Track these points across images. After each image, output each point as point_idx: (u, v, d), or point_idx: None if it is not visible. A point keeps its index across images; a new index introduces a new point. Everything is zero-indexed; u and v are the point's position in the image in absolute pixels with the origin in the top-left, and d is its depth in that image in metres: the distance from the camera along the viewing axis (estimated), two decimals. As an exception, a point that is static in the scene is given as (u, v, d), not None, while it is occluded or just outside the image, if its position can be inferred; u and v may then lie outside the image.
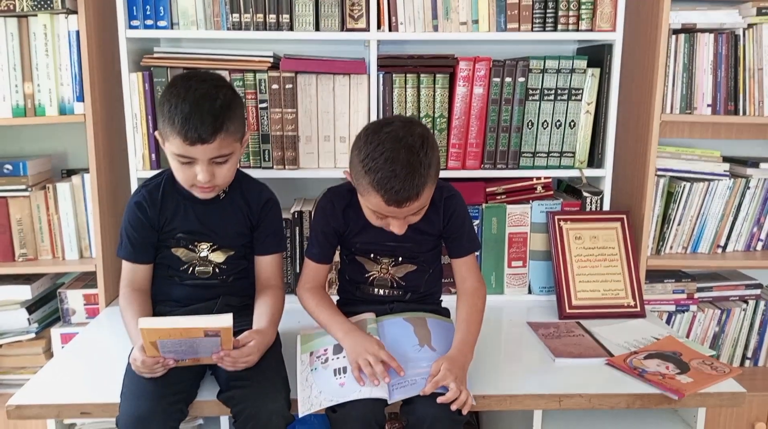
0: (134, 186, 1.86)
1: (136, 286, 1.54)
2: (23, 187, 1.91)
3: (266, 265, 1.60)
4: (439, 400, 1.29)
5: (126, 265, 1.55)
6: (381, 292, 1.60)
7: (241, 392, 1.36)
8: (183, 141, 1.36)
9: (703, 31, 1.93)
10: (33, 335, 1.96)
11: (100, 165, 1.88)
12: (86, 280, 2.05)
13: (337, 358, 1.43)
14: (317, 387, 1.37)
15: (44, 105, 1.84)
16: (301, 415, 1.35)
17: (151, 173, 1.63)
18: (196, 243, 1.54)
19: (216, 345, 1.32)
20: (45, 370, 1.54)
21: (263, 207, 1.58)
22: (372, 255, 1.58)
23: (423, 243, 1.57)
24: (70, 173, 2.07)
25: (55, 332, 1.97)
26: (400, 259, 1.58)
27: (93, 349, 1.66)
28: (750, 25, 1.93)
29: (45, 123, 1.89)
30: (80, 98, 1.83)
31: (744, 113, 1.95)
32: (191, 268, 1.55)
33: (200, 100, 1.37)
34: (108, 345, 1.67)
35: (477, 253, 1.61)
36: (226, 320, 1.29)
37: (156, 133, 1.48)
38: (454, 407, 1.30)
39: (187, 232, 1.53)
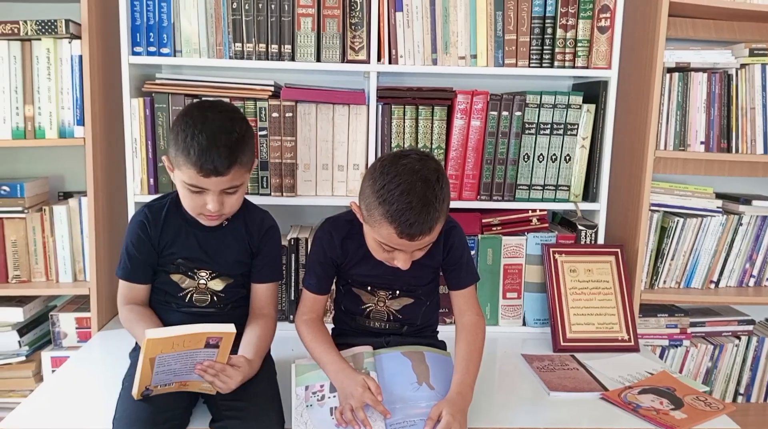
0: (131, 210, 1.86)
1: (136, 302, 1.53)
2: (19, 208, 1.91)
3: (261, 293, 1.59)
4: None
5: (124, 285, 1.54)
6: (377, 324, 1.59)
7: (234, 423, 1.34)
8: (197, 172, 1.36)
9: (696, 70, 1.97)
10: (23, 358, 1.95)
11: (97, 188, 1.88)
12: (79, 303, 2.04)
13: (334, 396, 1.40)
14: (312, 425, 1.35)
15: (44, 128, 1.85)
16: None
17: (149, 198, 1.64)
18: (195, 270, 1.54)
19: (211, 357, 1.32)
20: (35, 395, 1.53)
21: (264, 234, 1.57)
22: (369, 287, 1.57)
23: (422, 276, 1.56)
24: (67, 196, 2.07)
25: (46, 355, 1.95)
26: (398, 292, 1.57)
27: (85, 373, 1.65)
28: (743, 65, 1.97)
29: (44, 145, 1.89)
30: (80, 122, 1.84)
31: (737, 151, 1.99)
32: (189, 296, 1.54)
33: (217, 133, 1.37)
34: (100, 370, 1.65)
35: (475, 285, 1.59)
36: (230, 327, 1.30)
37: (164, 158, 1.48)
38: None
39: (186, 258, 1.53)
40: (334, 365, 1.44)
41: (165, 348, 1.26)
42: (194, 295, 1.54)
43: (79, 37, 1.81)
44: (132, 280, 1.54)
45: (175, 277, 1.54)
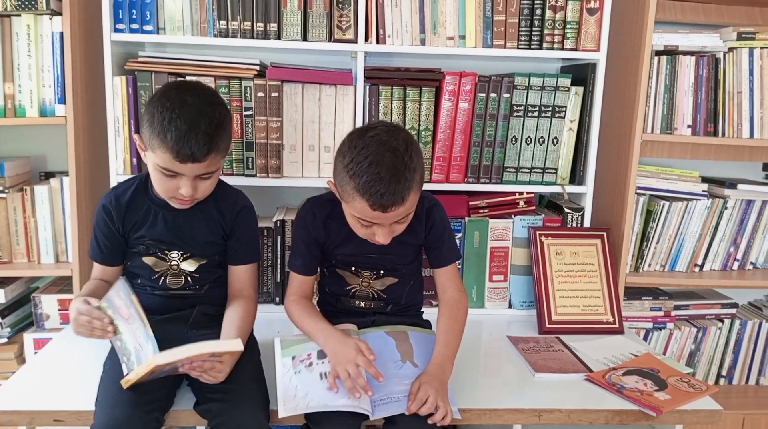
0: (114, 190, 1.84)
1: (104, 280, 1.54)
2: (0, 188, 1.88)
3: (239, 274, 1.57)
4: (414, 411, 1.29)
5: (96, 266, 1.55)
6: (362, 304, 1.59)
7: (219, 405, 1.34)
8: (174, 157, 1.34)
9: (684, 53, 1.97)
10: (5, 340, 1.93)
11: (79, 168, 1.85)
12: (61, 284, 2.02)
13: (322, 362, 1.41)
14: (303, 388, 1.35)
15: (24, 106, 1.82)
16: (284, 415, 1.32)
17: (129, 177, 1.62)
18: (166, 251, 1.52)
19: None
20: (18, 376, 1.51)
21: (238, 215, 1.55)
22: (353, 268, 1.57)
23: (405, 254, 1.56)
24: (48, 176, 2.04)
25: (28, 337, 1.93)
26: (382, 272, 1.57)
27: (67, 355, 1.63)
28: (730, 49, 1.97)
29: (25, 124, 1.86)
30: (62, 100, 1.81)
31: (723, 135, 1.99)
32: (163, 278, 1.53)
33: (196, 118, 1.34)
34: (82, 351, 1.63)
35: (458, 263, 1.60)
36: (237, 344, 1.30)
37: (136, 137, 1.45)
38: (430, 421, 1.29)
39: (155, 240, 1.51)
40: (324, 332, 1.44)
41: (168, 364, 1.25)
42: (167, 277, 1.53)
43: (59, 14, 1.78)
44: (101, 262, 1.54)
45: (148, 260, 1.52)
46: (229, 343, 1.31)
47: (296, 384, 1.37)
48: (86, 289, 1.49)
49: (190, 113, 1.35)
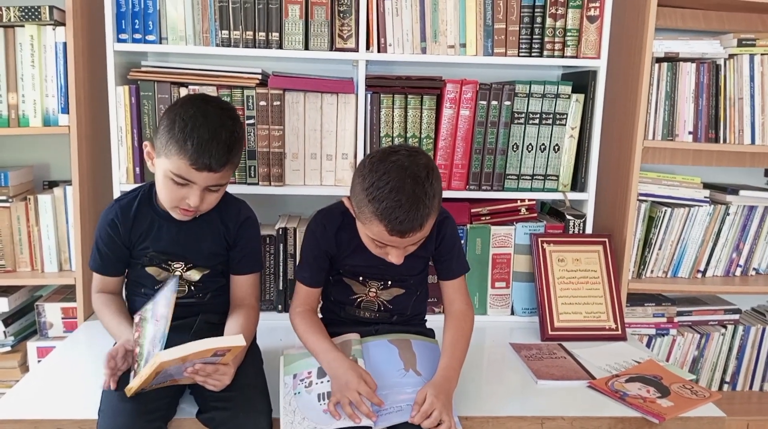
0: (117, 199, 1.84)
1: (107, 291, 1.55)
2: (4, 197, 1.89)
3: (241, 284, 1.58)
4: (418, 422, 1.29)
5: (96, 276, 1.56)
6: (367, 314, 1.59)
7: (221, 413, 1.34)
8: (191, 164, 1.35)
9: (685, 60, 1.97)
10: (9, 348, 1.93)
11: (82, 177, 1.86)
12: (65, 293, 2.02)
13: (321, 382, 1.41)
14: (300, 413, 1.35)
15: (28, 116, 1.83)
16: None
17: (134, 187, 1.62)
18: (169, 262, 1.52)
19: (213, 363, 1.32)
20: (21, 385, 1.51)
21: (241, 226, 1.56)
22: (361, 278, 1.56)
23: (414, 266, 1.55)
24: (51, 185, 2.05)
25: (32, 345, 1.93)
26: (390, 282, 1.56)
27: (70, 363, 1.64)
28: (731, 56, 1.97)
29: (28, 134, 1.87)
30: (65, 110, 1.82)
31: (724, 141, 1.99)
32: None
33: (218, 129, 1.37)
34: (86, 360, 1.64)
35: (465, 276, 1.60)
36: (239, 340, 1.30)
37: (147, 143, 1.46)
38: None
39: (159, 252, 1.51)
40: (328, 354, 1.44)
41: (174, 363, 1.26)
42: None
43: (63, 24, 1.79)
44: (103, 273, 1.55)
45: (151, 270, 1.53)
46: (232, 338, 1.31)
47: (295, 407, 1.36)
48: (113, 322, 1.48)
49: (213, 124, 1.37)
